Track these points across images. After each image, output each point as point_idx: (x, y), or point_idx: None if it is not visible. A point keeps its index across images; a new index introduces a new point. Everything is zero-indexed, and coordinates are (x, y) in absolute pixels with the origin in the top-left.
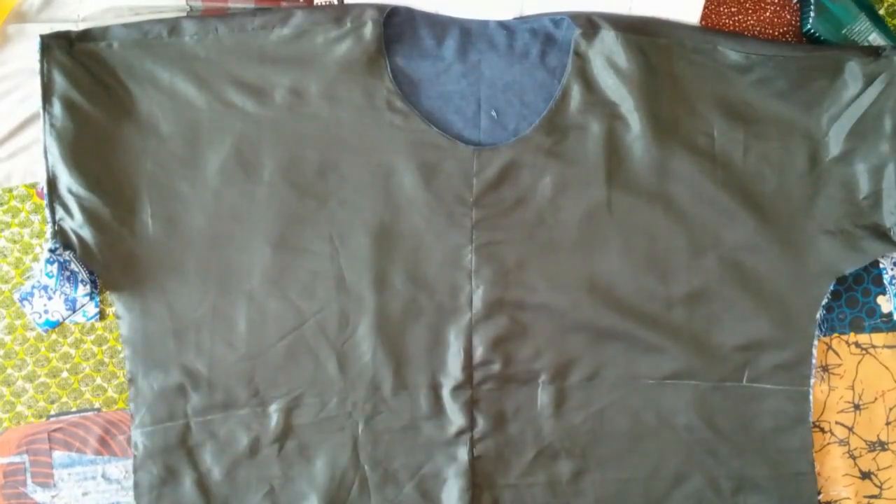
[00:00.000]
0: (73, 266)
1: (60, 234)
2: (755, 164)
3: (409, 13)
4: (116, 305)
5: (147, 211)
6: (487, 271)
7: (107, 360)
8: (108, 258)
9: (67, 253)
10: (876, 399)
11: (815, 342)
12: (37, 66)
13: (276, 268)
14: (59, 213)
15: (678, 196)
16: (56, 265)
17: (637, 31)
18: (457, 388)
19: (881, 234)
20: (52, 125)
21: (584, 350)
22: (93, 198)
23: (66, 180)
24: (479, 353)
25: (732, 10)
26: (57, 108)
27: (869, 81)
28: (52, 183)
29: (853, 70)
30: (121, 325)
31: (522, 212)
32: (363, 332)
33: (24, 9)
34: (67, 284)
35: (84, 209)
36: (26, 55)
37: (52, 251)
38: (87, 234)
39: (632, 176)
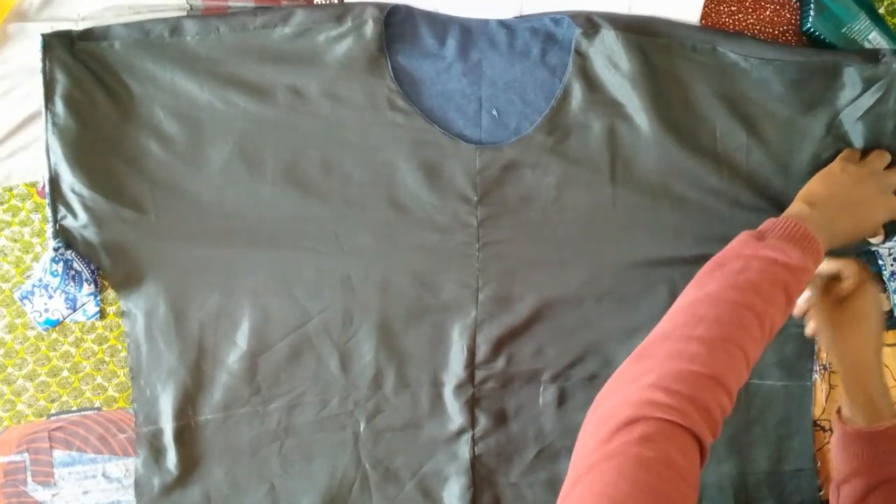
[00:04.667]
0: (76, 265)
1: (62, 234)
2: (758, 164)
3: (410, 12)
4: (120, 304)
5: (150, 210)
6: (493, 270)
7: (107, 358)
8: (112, 257)
9: (70, 252)
10: None
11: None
12: (37, 64)
13: (282, 266)
14: (62, 212)
15: (683, 194)
16: (61, 264)
17: (637, 30)
18: (459, 387)
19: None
20: (54, 124)
21: (588, 349)
22: (96, 197)
23: (68, 179)
24: (482, 351)
25: (732, 8)
26: (59, 106)
27: (867, 87)
28: (54, 182)
29: (851, 75)
30: (124, 323)
31: (527, 210)
32: (367, 330)
33: (24, 7)
34: (72, 283)
35: (87, 208)
36: (26, 54)
37: (56, 250)
38: (89, 233)
39: (635, 174)
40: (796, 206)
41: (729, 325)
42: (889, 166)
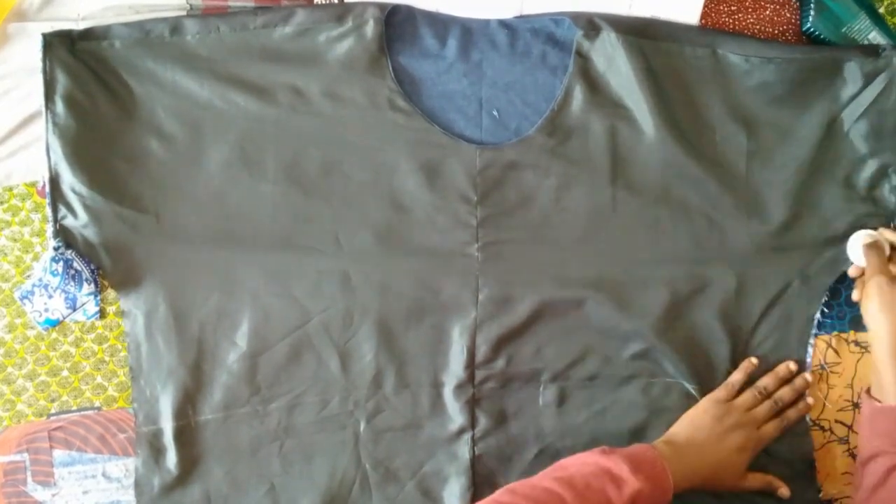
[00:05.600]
0: (76, 265)
1: (62, 233)
2: (758, 169)
3: (410, 12)
4: (120, 303)
5: (151, 210)
6: (493, 270)
7: (107, 358)
8: (112, 256)
9: (69, 252)
10: None
11: (812, 341)
12: (37, 64)
13: (282, 266)
14: (62, 211)
15: (682, 197)
16: (61, 263)
17: (638, 33)
18: (459, 387)
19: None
20: (54, 123)
21: (587, 349)
22: (96, 196)
23: (69, 179)
24: (482, 351)
25: (732, 8)
26: (60, 106)
27: (868, 81)
28: (54, 181)
29: (852, 70)
30: (124, 323)
31: (527, 211)
32: (367, 330)
33: (24, 7)
34: (72, 283)
35: (87, 207)
36: (26, 54)
37: (56, 249)
38: (90, 232)
39: (636, 176)
40: (657, 443)
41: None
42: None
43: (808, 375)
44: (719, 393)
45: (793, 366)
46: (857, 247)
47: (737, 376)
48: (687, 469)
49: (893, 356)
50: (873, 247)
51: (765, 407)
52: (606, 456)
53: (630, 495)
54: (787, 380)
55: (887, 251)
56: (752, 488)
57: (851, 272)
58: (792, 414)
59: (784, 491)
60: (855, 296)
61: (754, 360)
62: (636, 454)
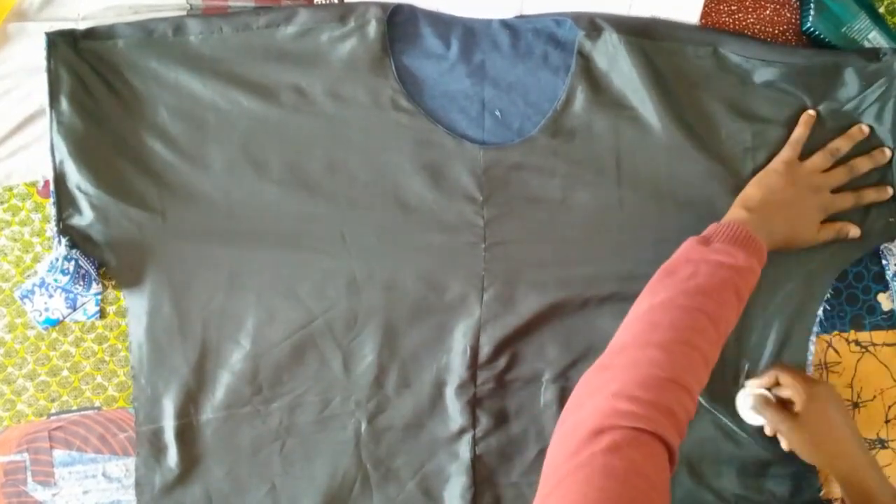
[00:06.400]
0: (83, 264)
1: (67, 232)
2: (764, 163)
3: (412, 11)
4: (125, 302)
5: (156, 209)
6: (499, 270)
7: (107, 358)
8: (117, 255)
9: (74, 251)
10: (875, 397)
11: (814, 339)
12: (37, 64)
13: (287, 266)
14: (67, 210)
15: (688, 196)
16: (73, 262)
17: (639, 33)
18: (461, 387)
19: (884, 230)
20: (59, 122)
21: (589, 349)
22: (102, 195)
23: (75, 177)
24: (485, 352)
25: (732, 7)
26: (64, 105)
27: (868, 85)
28: (59, 180)
29: (852, 75)
30: (127, 321)
31: (533, 211)
32: (371, 330)
33: (25, 7)
34: (81, 282)
35: (93, 206)
36: (27, 54)
37: (68, 248)
38: (95, 231)
39: (641, 175)
40: (735, 211)
41: (683, 329)
42: (838, 164)
43: (887, 150)
44: (787, 153)
45: (865, 128)
46: (746, 409)
47: (799, 131)
48: (766, 234)
49: (850, 480)
50: (762, 401)
51: (840, 172)
52: (716, 250)
53: (754, 281)
54: (860, 142)
55: (773, 398)
56: (825, 241)
57: (768, 432)
58: (870, 194)
59: (855, 231)
60: (784, 447)
61: (812, 112)
62: (738, 236)
